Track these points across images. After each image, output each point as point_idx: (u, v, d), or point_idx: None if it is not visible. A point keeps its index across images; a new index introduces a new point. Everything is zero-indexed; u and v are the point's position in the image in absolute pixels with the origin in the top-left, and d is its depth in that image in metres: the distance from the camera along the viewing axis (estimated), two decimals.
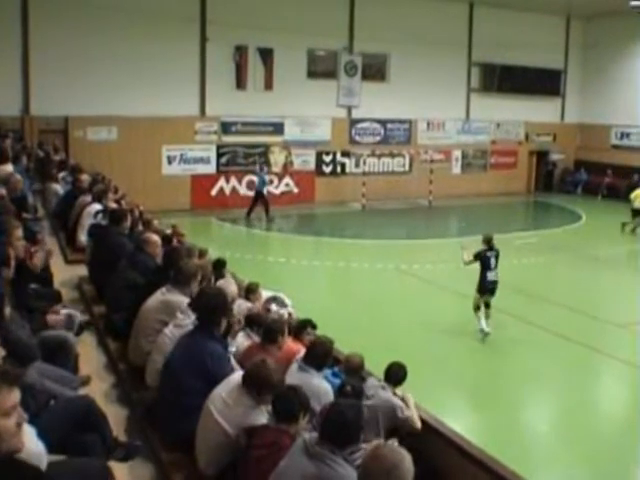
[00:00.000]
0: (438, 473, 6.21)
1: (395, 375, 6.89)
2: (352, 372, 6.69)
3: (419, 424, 6.44)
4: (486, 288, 14.00)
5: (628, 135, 34.72)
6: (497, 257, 14.03)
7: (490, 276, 13.94)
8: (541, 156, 36.01)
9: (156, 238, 8.28)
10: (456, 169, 33.43)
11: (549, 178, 36.40)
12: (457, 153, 33.39)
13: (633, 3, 29.36)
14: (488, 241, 14.08)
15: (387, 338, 13.29)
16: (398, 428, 6.46)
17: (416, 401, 6.58)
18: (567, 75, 36.24)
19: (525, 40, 32.75)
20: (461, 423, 9.10)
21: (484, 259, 13.92)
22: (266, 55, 27.75)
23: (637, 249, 23.37)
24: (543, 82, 35.01)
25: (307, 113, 28.84)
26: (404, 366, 6.99)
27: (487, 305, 14.12)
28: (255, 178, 26.80)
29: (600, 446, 10.02)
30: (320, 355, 6.21)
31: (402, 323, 14.83)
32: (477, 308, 14.10)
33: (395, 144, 31.40)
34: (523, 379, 12.47)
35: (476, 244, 14.56)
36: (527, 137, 35.16)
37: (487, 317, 14.04)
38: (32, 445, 3.65)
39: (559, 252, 21.89)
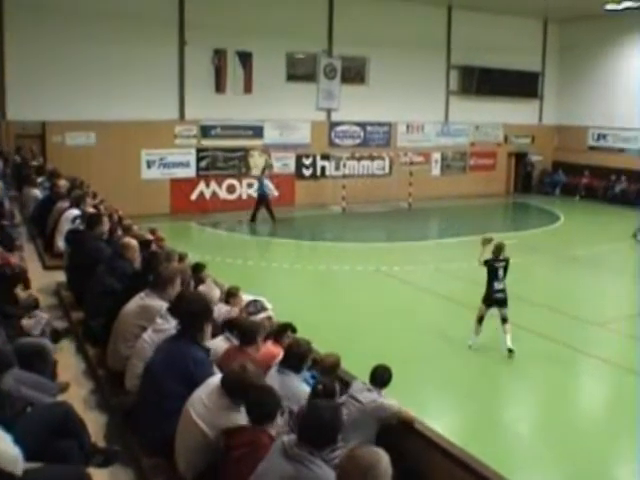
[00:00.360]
0: (419, 473, 6.23)
1: (380, 377, 6.91)
2: (326, 372, 6.71)
3: (411, 414, 6.48)
4: (492, 299, 13.46)
5: (605, 136, 35.00)
6: (506, 267, 13.42)
7: (497, 286, 13.38)
8: (520, 158, 36.24)
9: (134, 243, 8.25)
10: (435, 171, 33.55)
11: (528, 179, 36.64)
12: (436, 155, 33.51)
13: (608, 7, 29.66)
14: (498, 249, 13.46)
15: (369, 340, 13.33)
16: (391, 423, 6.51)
17: (399, 402, 6.60)
18: (545, 77, 36.48)
19: (503, 43, 32.97)
20: (444, 423, 9.16)
21: (491, 268, 13.41)
22: (245, 59, 27.72)
23: (615, 249, 23.53)
24: (521, 84, 35.20)
25: (287, 116, 28.83)
26: (389, 368, 7.02)
27: (504, 320, 13.41)
28: (263, 181, 26.68)
29: (580, 444, 10.08)
30: (297, 357, 6.22)
31: (384, 325, 14.86)
32: (479, 320, 13.55)
33: (375, 147, 31.46)
34: (504, 378, 12.55)
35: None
36: (506, 139, 35.36)
37: (507, 332, 13.29)
38: (8, 451, 3.62)
39: (538, 253, 22.04)
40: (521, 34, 34.46)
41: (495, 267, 13.38)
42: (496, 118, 34.46)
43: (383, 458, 3.41)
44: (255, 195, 27.31)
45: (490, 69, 33.42)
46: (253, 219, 26.18)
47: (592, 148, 35.58)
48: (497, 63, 33.30)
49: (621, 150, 34.37)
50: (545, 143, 36.33)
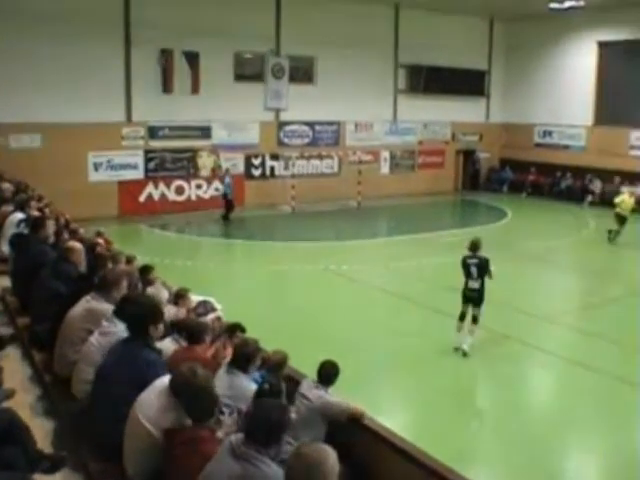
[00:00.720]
0: (368, 469, 6.29)
1: (327, 374, 6.97)
2: (273, 370, 6.73)
3: (360, 409, 6.53)
4: (465, 296, 13.40)
5: (550, 133, 35.61)
6: (479, 265, 13.17)
7: (470, 284, 13.27)
8: (468, 155, 36.65)
9: (79, 246, 8.17)
10: (384, 170, 33.75)
11: (475, 177, 37.06)
12: (385, 154, 33.71)
13: (552, 5, 30.13)
14: (472, 246, 13.42)
15: (319, 338, 13.35)
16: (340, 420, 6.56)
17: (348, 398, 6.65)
18: (491, 76, 36.97)
19: (450, 42, 33.35)
20: (395, 419, 9.22)
21: (464, 265, 13.35)
22: (192, 59, 27.53)
23: (562, 244, 23.94)
24: (468, 83, 35.64)
25: (235, 116, 28.73)
26: (335, 364, 7.09)
27: (474, 319, 13.34)
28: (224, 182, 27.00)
29: (529, 437, 10.23)
30: (245, 357, 6.23)
31: (333, 323, 14.91)
32: (461, 317, 13.41)
33: (324, 146, 31.52)
34: (455, 373, 12.64)
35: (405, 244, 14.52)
36: (454, 137, 35.73)
37: (471, 333, 13.30)
38: None
39: (486, 249, 22.21)
40: (468, 33, 34.88)
41: (467, 264, 13.30)
42: (444, 116, 34.80)
43: (330, 455, 3.43)
44: (205, 196, 27.19)
45: (438, 68, 33.74)
46: (226, 218, 26.53)
47: (538, 145, 36.18)
48: (445, 62, 33.65)
49: (566, 147, 34.99)
50: (492, 141, 36.80)
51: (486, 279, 13.23)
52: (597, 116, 33.90)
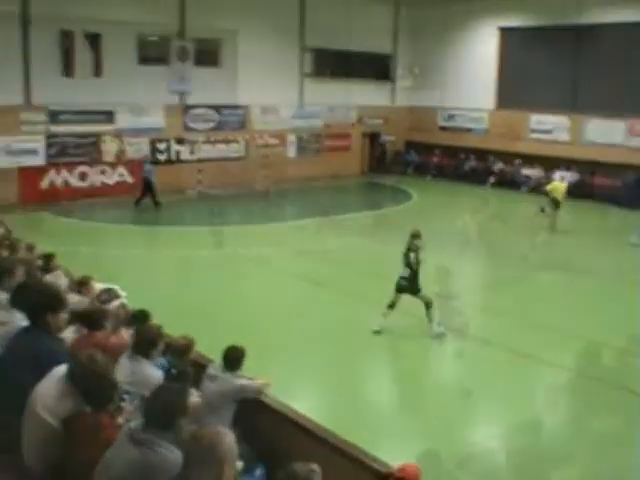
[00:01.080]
0: (273, 448, 6.38)
1: (233, 358, 7.03)
2: (179, 355, 6.74)
3: (267, 388, 6.73)
4: (397, 284, 13.65)
5: (454, 117, 36.39)
6: (408, 256, 13.48)
7: (401, 273, 13.56)
8: (374, 139, 37.04)
9: None
10: (291, 153, 33.81)
11: (382, 160, 37.54)
12: (292, 137, 33.76)
13: None
14: (411, 236, 13.72)
15: (227, 323, 13.37)
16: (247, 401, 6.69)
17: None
18: (397, 60, 37.41)
19: (357, 26, 33.52)
20: (303, 402, 9.30)
21: (405, 255, 13.61)
22: (94, 41, 26.90)
23: (464, 225, 24.46)
24: (374, 67, 36.11)
25: (139, 100, 28.24)
26: (241, 348, 7.16)
27: (426, 306, 13.61)
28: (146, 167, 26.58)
29: (435, 415, 10.51)
30: (147, 343, 6.21)
31: (241, 307, 14.95)
32: (390, 305, 13.65)
33: (230, 130, 31.37)
34: (363, 357, 12.81)
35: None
36: (360, 120, 36.03)
37: (429, 320, 13.58)
38: None
39: (391, 231, 22.58)
40: (374, 17, 35.22)
41: (407, 253, 13.55)
42: (350, 100, 34.99)
43: (226, 436, 3.48)
44: (109, 182, 26.70)
45: (344, 52, 34.01)
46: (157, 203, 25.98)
47: (443, 128, 36.91)
48: (351, 46, 33.88)
49: (469, 130, 35.80)
50: (398, 124, 37.26)
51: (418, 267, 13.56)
52: (499, 100, 34.79)
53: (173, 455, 3.90)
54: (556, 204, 24.29)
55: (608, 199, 28.64)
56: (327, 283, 16.68)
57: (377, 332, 13.42)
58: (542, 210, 25.11)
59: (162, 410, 4.07)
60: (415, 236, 13.68)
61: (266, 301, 15.65)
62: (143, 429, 4.06)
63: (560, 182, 25.13)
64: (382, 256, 18.71)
